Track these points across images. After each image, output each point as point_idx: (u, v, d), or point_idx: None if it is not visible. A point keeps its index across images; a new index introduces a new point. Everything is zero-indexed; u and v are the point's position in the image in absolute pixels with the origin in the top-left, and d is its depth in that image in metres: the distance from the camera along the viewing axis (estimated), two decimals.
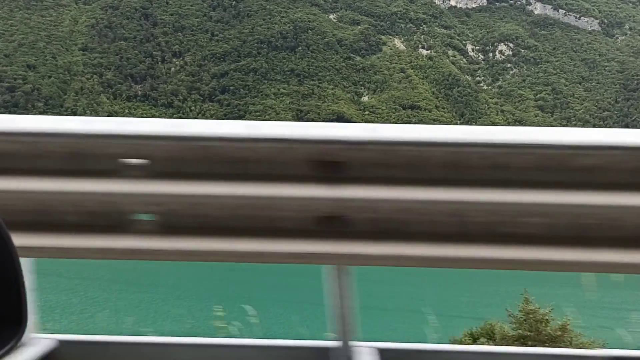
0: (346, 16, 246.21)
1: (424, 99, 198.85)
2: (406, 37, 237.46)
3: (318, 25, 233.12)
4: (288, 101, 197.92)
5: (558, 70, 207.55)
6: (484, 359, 3.34)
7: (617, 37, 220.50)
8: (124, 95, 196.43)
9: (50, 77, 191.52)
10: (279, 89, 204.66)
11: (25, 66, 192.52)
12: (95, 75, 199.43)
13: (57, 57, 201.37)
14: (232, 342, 3.63)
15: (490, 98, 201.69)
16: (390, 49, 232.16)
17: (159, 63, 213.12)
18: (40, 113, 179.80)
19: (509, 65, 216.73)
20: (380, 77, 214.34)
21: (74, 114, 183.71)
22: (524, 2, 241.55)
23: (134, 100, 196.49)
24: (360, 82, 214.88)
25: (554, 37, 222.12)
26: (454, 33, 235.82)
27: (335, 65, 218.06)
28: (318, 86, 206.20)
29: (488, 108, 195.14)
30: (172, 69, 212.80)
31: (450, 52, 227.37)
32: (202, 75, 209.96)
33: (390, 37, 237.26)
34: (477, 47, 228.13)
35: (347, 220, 2.70)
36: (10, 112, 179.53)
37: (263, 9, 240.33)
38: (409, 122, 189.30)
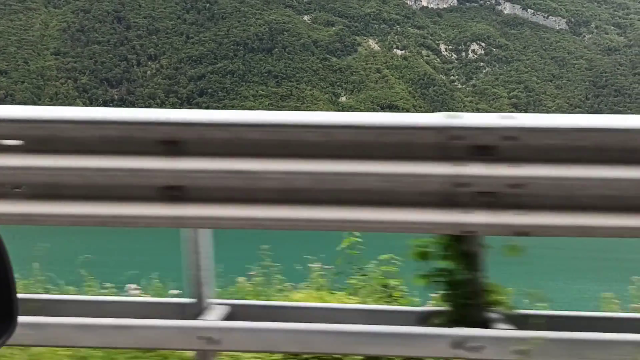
0: (320, 17, 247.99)
1: (401, 99, 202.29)
2: (380, 37, 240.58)
3: (293, 26, 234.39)
4: (267, 103, 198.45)
5: (529, 68, 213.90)
6: (320, 314, 3.79)
7: (584, 36, 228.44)
8: (100, 99, 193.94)
9: (23, 82, 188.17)
10: (257, 91, 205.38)
11: None
12: (69, 80, 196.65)
13: (29, 62, 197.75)
14: (94, 299, 4.15)
15: (465, 97, 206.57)
16: (365, 49, 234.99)
17: (135, 66, 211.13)
18: None
19: (481, 64, 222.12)
20: (357, 77, 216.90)
21: None
22: (493, 2, 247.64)
23: (111, 104, 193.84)
24: (338, 83, 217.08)
25: (524, 36, 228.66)
26: (427, 33, 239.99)
27: (312, 66, 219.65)
28: (296, 87, 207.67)
29: (464, 106, 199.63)
30: (148, 72, 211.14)
31: (424, 52, 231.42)
32: (179, 78, 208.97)
33: (365, 37, 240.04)
34: (450, 47, 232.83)
35: (187, 189, 3.27)
36: None
37: (237, 10, 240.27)
38: None
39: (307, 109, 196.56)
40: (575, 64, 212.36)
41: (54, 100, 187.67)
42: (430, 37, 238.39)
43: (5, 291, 1.50)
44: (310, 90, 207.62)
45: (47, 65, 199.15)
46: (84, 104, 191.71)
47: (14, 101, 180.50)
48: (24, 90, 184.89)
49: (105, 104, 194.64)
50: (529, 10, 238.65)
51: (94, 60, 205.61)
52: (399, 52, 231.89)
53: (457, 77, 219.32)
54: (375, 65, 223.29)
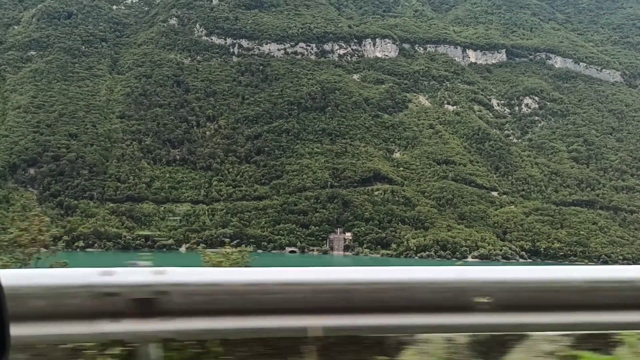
0: (369, 76, 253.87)
1: (457, 154, 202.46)
2: (430, 93, 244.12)
3: (344, 85, 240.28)
4: (323, 160, 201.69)
5: (587, 121, 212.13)
6: None
7: None
8: (164, 160, 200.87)
9: (92, 144, 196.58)
10: (312, 149, 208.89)
11: (68, 135, 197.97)
12: (134, 142, 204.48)
13: (97, 126, 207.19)
14: None
15: (522, 151, 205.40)
16: (416, 105, 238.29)
17: (195, 127, 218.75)
18: (86, 180, 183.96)
19: (536, 118, 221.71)
20: (410, 133, 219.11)
21: (118, 180, 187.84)
22: (543, 56, 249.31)
23: (173, 164, 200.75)
24: (391, 139, 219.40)
25: (578, 89, 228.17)
26: (478, 88, 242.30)
27: (365, 123, 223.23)
28: (350, 144, 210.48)
29: (522, 161, 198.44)
30: (207, 132, 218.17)
31: (476, 107, 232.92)
32: (236, 137, 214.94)
33: (415, 94, 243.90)
34: (502, 102, 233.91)
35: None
36: (55, 180, 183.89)
37: (290, 72, 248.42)
38: (445, 177, 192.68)
39: (363, 165, 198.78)
40: (635, 116, 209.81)
41: (120, 162, 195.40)
42: (481, 93, 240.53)
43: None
44: (364, 147, 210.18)
45: (113, 128, 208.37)
46: (149, 164, 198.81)
47: (84, 163, 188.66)
48: (93, 152, 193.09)
49: (168, 164, 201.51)
50: (581, 63, 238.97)
51: (157, 123, 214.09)
52: (450, 107, 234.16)
53: (511, 131, 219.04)
54: (428, 121, 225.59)
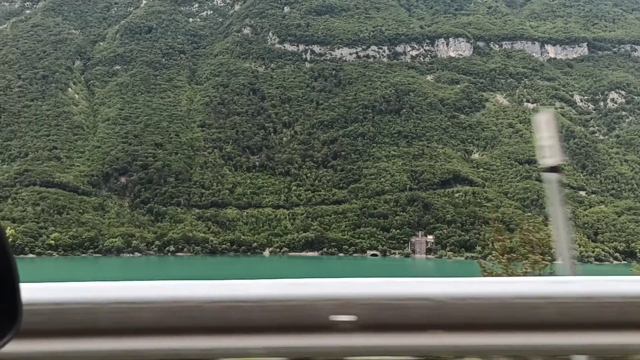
0: (443, 76, 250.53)
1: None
2: (508, 92, 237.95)
3: (418, 87, 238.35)
4: (400, 162, 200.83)
5: None
6: None
7: None
8: (244, 166, 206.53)
9: (176, 153, 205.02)
10: (389, 151, 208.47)
11: (154, 144, 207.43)
12: (215, 150, 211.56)
13: (179, 135, 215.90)
14: None
15: (609, 148, 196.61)
16: (494, 104, 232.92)
17: (272, 134, 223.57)
18: (172, 187, 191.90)
19: (623, 113, 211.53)
20: (488, 133, 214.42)
21: (202, 186, 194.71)
22: (628, 48, 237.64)
23: (253, 170, 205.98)
24: (469, 140, 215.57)
25: None
26: (558, 85, 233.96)
27: (441, 124, 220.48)
28: (427, 146, 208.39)
29: (610, 159, 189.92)
30: (284, 138, 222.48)
31: (557, 104, 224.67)
32: (313, 143, 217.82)
33: (492, 93, 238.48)
34: (586, 97, 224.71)
35: None
36: (145, 188, 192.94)
37: (362, 75, 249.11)
38: (528, 177, 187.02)
39: (441, 167, 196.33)
40: None
41: (203, 169, 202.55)
42: (562, 89, 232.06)
43: (9, 290, 1.57)
44: (442, 148, 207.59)
45: (195, 136, 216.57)
46: (230, 171, 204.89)
47: (170, 171, 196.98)
48: (178, 161, 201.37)
49: (248, 170, 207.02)
50: None
51: (236, 130, 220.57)
52: (530, 105, 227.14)
53: (597, 128, 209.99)
54: (507, 120, 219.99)
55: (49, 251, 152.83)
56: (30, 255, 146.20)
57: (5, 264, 1.57)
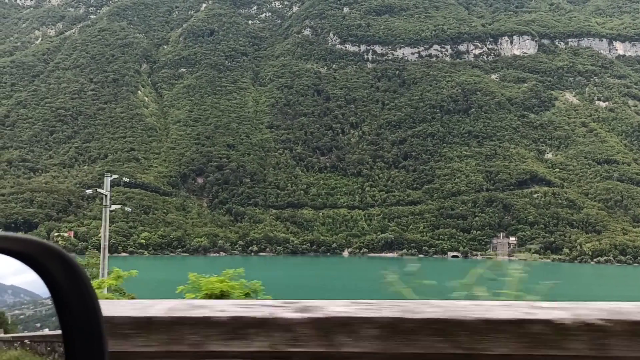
0: (508, 75, 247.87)
1: (618, 152, 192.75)
2: (577, 90, 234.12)
3: (484, 86, 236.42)
4: (474, 163, 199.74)
5: None
6: None
7: None
8: (315, 167, 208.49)
9: (249, 154, 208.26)
10: (460, 152, 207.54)
11: (226, 146, 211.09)
12: (286, 150, 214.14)
13: (250, 136, 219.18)
14: None
15: None
16: (564, 103, 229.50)
17: (340, 135, 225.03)
18: (249, 188, 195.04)
19: None
20: (561, 132, 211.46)
21: (277, 187, 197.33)
22: None
23: (325, 171, 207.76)
24: (541, 139, 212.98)
25: None
26: (630, 82, 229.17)
27: (511, 123, 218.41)
28: (499, 146, 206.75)
29: None
30: (352, 139, 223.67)
31: (630, 102, 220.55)
32: (381, 143, 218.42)
33: (561, 91, 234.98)
34: None
35: None
36: (222, 189, 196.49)
37: (426, 75, 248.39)
38: (608, 178, 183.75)
39: (517, 167, 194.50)
40: None
41: (276, 170, 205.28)
42: (634, 86, 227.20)
43: (97, 342, 1.49)
44: (514, 148, 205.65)
45: (265, 137, 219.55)
46: (302, 172, 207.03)
47: (245, 172, 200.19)
48: (252, 162, 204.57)
49: (320, 171, 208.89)
50: None
51: (304, 131, 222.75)
52: (602, 104, 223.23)
53: None
54: (579, 119, 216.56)
55: (140, 250, 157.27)
56: (123, 254, 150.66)
57: (92, 315, 1.53)
